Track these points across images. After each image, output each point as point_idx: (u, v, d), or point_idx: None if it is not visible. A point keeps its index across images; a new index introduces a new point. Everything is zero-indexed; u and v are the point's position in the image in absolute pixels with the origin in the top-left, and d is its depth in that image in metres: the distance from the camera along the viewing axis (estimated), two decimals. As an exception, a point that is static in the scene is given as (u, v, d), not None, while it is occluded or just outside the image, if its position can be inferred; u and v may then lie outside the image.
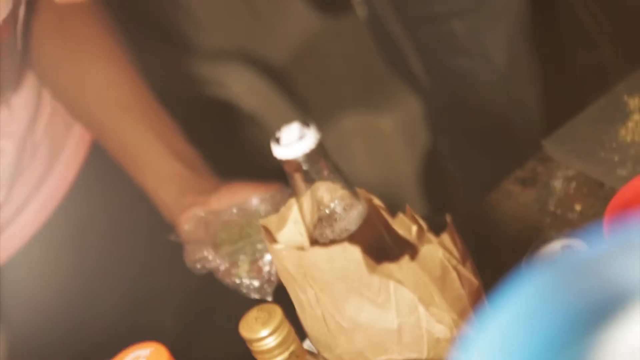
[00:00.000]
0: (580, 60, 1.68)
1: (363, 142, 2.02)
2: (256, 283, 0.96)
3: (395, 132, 1.99)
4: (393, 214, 0.75)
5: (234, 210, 0.98)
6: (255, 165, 1.96)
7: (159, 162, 1.01)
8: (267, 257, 0.97)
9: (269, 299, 0.96)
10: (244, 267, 0.97)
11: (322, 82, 2.12)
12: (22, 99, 1.06)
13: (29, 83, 1.07)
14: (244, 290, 0.96)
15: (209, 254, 0.97)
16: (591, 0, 1.58)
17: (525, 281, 0.33)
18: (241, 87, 1.88)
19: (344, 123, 2.03)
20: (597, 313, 0.33)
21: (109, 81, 1.04)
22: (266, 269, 0.97)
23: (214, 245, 0.98)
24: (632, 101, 1.04)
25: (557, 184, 1.04)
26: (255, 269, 0.97)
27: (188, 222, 0.99)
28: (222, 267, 0.97)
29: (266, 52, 2.09)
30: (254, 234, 0.98)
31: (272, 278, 0.96)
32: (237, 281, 0.97)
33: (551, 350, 0.33)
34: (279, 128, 0.69)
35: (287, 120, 0.70)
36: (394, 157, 1.99)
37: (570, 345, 0.33)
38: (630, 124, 1.02)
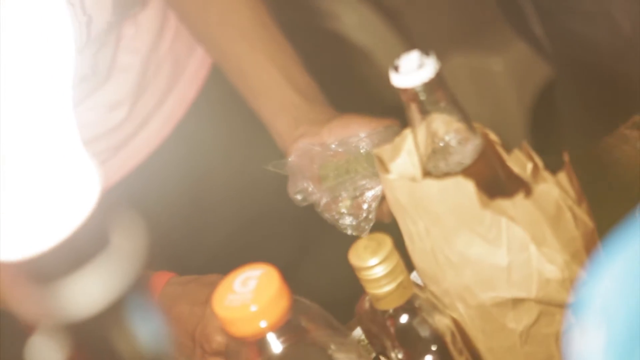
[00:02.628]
0: None
1: (473, 81, 1.99)
2: (354, 220, 0.96)
3: (506, 72, 1.96)
4: (508, 150, 0.74)
5: (340, 144, 0.98)
6: (368, 99, 1.95)
7: (275, 90, 1.01)
8: (368, 194, 0.97)
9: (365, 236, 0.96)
10: (345, 202, 0.97)
11: (434, 21, 2.10)
12: (148, 17, 1.07)
13: (155, 2, 1.08)
14: (342, 226, 0.97)
15: (309, 186, 0.97)
16: None
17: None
18: (355, 20, 1.87)
19: (454, 62, 2.00)
20: None
21: (231, 6, 1.04)
22: (365, 206, 0.96)
23: (318, 178, 0.98)
24: None
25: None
26: (356, 205, 0.97)
27: (295, 152, 0.99)
28: (323, 201, 0.97)
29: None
30: (359, 169, 0.97)
31: (370, 216, 0.96)
32: (337, 216, 0.97)
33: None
34: (397, 56, 0.69)
35: (398, 56, 0.69)
36: (504, 98, 1.96)
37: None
38: None
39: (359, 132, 0.97)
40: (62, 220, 0.34)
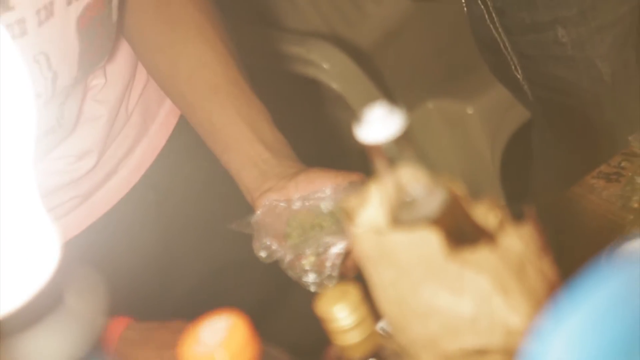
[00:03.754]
0: None
1: (446, 126, 2.01)
2: (317, 277, 0.97)
3: (478, 117, 1.98)
4: (473, 202, 0.75)
5: (306, 199, 0.99)
6: (338, 145, 1.97)
7: (243, 145, 1.02)
8: (332, 250, 0.98)
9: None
10: (309, 259, 0.98)
11: (409, 65, 2.12)
12: (118, 68, 1.08)
13: (125, 54, 1.10)
14: (305, 284, 0.98)
15: (272, 244, 0.98)
16: None
17: (603, 279, 0.33)
18: (330, 66, 1.89)
19: (428, 106, 2.02)
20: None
21: (201, 62, 1.06)
22: (328, 263, 0.97)
23: (282, 235, 0.99)
24: None
25: (642, 181, 1.02)
26: (319, 262, 0.98)
27: (261, 208, 1.00)
28: (287, 258, 0.98)
29: (358, 33, 2.09)
30: (324, 226, 0.98)
31: (334, 273, 0.97)
32: (300, 273, 0.98)
33: (625, 350, 0.33)
34: (363, 110, 0.70)
35: (373, 101, 0.70)
36: (477, 143, 1.98)
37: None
38: None
39: (323, 188, 0.98)
40: (22, 283, 0.35)
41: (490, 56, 1.51)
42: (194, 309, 0.71)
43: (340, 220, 0.98)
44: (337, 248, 0.97)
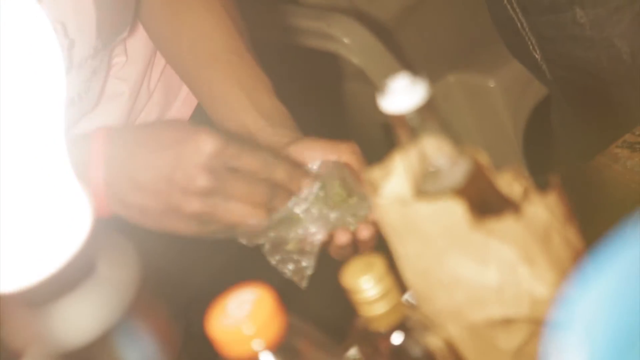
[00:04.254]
0: None
1: (467, 99, 2.01)
2: (294, 265, 0.97)
3: (500, 90, 1.97)
4: (497, 172, 0.75)
5: None
6: (358, 119, 1.96)
7: (240, 113, 1.02)
8: (317, 238, 0.97)
9: (304, 283, 0.98)
10: (291, 245, 0.98)
11: (429, 39, 2.11)
12: (139, 45, 1.08)
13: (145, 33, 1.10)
14: (283, 269, 0.97)
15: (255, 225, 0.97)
16: None
17: (628, 245, 0.33)
18: (351, 40, 1.88)
19: (449, 79, 2.01)
20: None
21: (203, 32, 1.06)
22: (308, 247, 0.97)
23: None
24: None
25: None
26: (301, 249, 0.97)
27: None
28: (268, 245, 0.98)
29: (377, 7, 2.08)
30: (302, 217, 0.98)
31: (311, 263, 0.97)
32: (279, 258, 0.97)
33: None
34: (386, 80, 0.70)
35: (393, 76, 0.70)
36: (498, 116, 1.97)
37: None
38: None
39: (311, 163, 0.98)
40: (54, 251, 0.35)
41: (508, 36, 1.50)
42: (223, 285, 0.71)
43: (325, 205, 0.98)
44: (318, 235, 0.97)
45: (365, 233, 0.99)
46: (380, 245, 0.73)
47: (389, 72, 0.73)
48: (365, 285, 0.67)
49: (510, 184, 0.73)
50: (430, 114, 0.69)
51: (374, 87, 1.84)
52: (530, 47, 1.44)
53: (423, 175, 0.71)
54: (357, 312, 0.70)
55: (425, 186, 0.71)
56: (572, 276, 0.69)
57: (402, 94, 0.68)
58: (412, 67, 1.99)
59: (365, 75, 1.89)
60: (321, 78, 2.07)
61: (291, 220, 0.97)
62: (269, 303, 0.64)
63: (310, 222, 0.97)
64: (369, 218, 0.99)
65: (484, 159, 0.73)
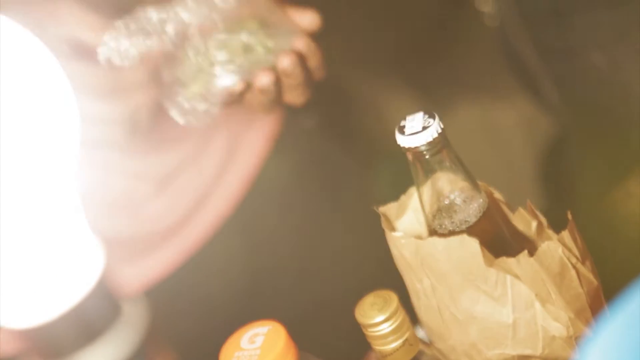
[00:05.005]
0: None
1: (482, 134, 2.01)
2: (199, 107, 0.88)
3: (514, 126, 1.97)
4: (512, 208, 0.75)
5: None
6: (372, 150, 1.96)
7: None
8: (222, 82, 0.88)
9: (197, 123, 0.89)
10: (194, 87, 0.88)
11: (443, 74, 2.11)
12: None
13: None
14: (178, 113, 0.89)
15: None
16: None
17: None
18: (362, 74, 1.89)
19: (462, 116, 2.01)
20: None
21: None
22: (211, 96, 0.88)
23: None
24: None
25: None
26: (205, 94, 0.89)
27: None
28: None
29: (387, 41, 2.09)
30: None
31: (211, 108, 0.88)
32: (177, 101, 0.89)
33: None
34: (404, 117, 0.70)
35: (407, 112, 0.71)
36: (513, 151, 1.97)
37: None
38: None
39: None
40: (67, 290, 0.35)
41: (523, 79, 1.49)
42: (234, 319, 0.70)
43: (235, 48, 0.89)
44: (224, 80, 0.87)
45: (285, 62, 0.87)
46: (394, 281, 0.73)
47: (403, 108, 0.73)
48: (379, 320, 0.67)
49: (525, 220, 0.73)
50: (443, 149, 0.69)
51: (387, 122, 1.84)
52: (545, 90, 1.43)
53: (438, 210, 0.71)
54: (370, 347, 0.70)
55: (440, 221, 0.71)
56: (588, 314, 0.69)
57: (417, 128, 0.68)
58: (425, 101, 1.99)
59: (381, 109, 1.90)
60: (338, 115, 2.08)
61: (200, 71, 0.88)
62: (282, 337, 0.64)
63: (218, 69, 0.87)
64: (293, 48, 0.88)
65: (498, 194, 0.73)
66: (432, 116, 0.69)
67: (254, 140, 1.07)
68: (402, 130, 0.69)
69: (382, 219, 0.73)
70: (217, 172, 1.04)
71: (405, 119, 0.70)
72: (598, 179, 1.44)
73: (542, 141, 1.89)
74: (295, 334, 0.65)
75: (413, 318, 0.72)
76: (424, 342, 0.71)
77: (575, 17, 1.31)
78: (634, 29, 1.32)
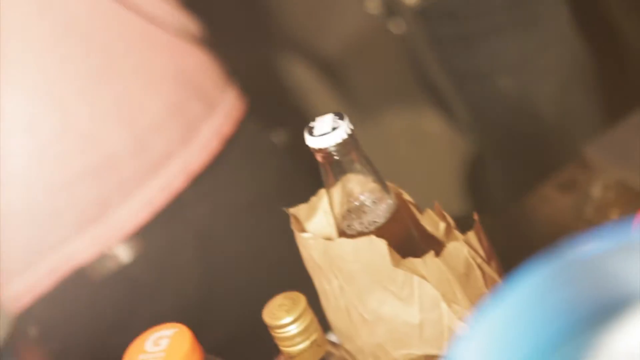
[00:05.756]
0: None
1: (406, 140, 2.02)
2: None
3: (438, 132, 1.99)
4: (421, 210, 0.75)
5: None
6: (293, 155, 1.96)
7: None
8: None
9: None
10: None
11: (370, 79, 2.12)
12: None
13: None
14: None
15: None
16: None
17: (525, 277, 0.33)
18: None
19: (388, 120, 2.03)
20: (595, 312, 0.33)
21: None
22: None
23: None
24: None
25: (596, 192, 1.03)
26: None
27: None
28: None
29: (317, 45, 2.09)
30: None
31: None
32: None
33: (547, 348, 0.33)
34: (313, 119, 0.70)
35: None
36: (437, 156, 1.99)
37: (567, 343, 0.33)
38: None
39: None
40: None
41: (432, 96, 1.49)
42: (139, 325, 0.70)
43: None
44: None
45: None
46: (303, 282, 0.73)
47: (328, 110, 0.73)
48: (286, 321, 0.67)
49: (433, 221, 0.74)
50: (353, 150, 0.69)
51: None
52: (457, 110, 1.44)
53: (348, 211, 0.71)
54: (278, 349, 0.69)
55: (350, 223, 0.71)
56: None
57: (326, 130, 0.68)
58: (352, 105, 2.00)
59: (305, 114, 1.90)
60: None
61: None
62: (187, 340, 0.64)
63: None
64: None
65: (407, 196, 0.74)
66: (341, 117, 0.69)
67: (207, 137, 1.07)
68: (311, 131, 0.69)
69: (292, 220, 0.73)
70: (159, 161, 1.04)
71: (315, 119, 0.70)
72: (513, 185, 1.45)
73: (464, 147, 1.91)
74: (200, 335, 0.65)
75: (322, 320, 0.72)
76: (332, 344, 0.71)
77: (481, 41, 1.31)
78: (538, 53, 1.32)
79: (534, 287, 0.33)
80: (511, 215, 1.09)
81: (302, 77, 1.93)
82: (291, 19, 2.05)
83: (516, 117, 1.37)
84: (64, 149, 0.97)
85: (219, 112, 1.08)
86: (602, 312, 0.33)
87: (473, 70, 1.35)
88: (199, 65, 1.09)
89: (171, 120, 1.03)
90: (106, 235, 1.00)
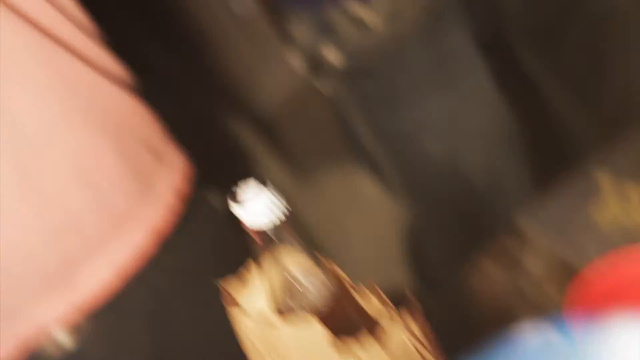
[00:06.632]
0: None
1: (343, 202, 2.01)
2: None
3: (374, 195, 1.98)
4: (356, 288, 0.74)
5: None
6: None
7: None
8: None
9: None
10: None
11: (304, 139, 2.12)
12: None
13: None
14: None
15: None
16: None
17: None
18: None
19: (324, 181, 2.02)
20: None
21: None
22: None
23: None
24: (603, 178, 1.03)
25: (530, 264, 1.03)
26: None
27: None
28: None
29: (253, 102, 2.09)
30: None
31: None
32: None
33: None
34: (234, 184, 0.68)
35: (270, 173, 0.69)
36: (373, 221, 1.98)
37: None
38: (601, 204, 1.01)
39: None
40: None
41: (362, 159, 1.48)
42: None
43: None
44: None
45: None
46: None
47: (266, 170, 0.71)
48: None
49: (369, 300, 0.73)
50: (289, 228, 0.68)
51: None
52: (387, 174, 1.43)
53: (283, 289, 0.70)
54: None
55: (285, 300, 0.70)
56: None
57: (260, 208, 0.67)
58: (290, 165, 1.98)
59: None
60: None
61: None
62: None
63: None
64: None
65: (343, 274, 0.73)
66: (266, 184, 0.67)
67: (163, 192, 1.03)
68: (239, 202, 0.66)
69: (224, 294, 0.72)
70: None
71: (237, 187, 0.67)
72: (450, 254, 1.44)
73: (400, 214, 1.90)
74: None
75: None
76: None
77: (404, 102, 1.29)
78: (462, 116, 1.30)
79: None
80: (449, 291, 1.07)
81: (241, 134, 1.92)
82: (227, 75, 2.04)
83: (446, 181, 1.35)
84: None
85: (171, 166, 1.05)
86: None
87: (400, 132, 1.32)
88: (141, 116, 1.05)
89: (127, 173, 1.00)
90: (71, 298, 0.95)
